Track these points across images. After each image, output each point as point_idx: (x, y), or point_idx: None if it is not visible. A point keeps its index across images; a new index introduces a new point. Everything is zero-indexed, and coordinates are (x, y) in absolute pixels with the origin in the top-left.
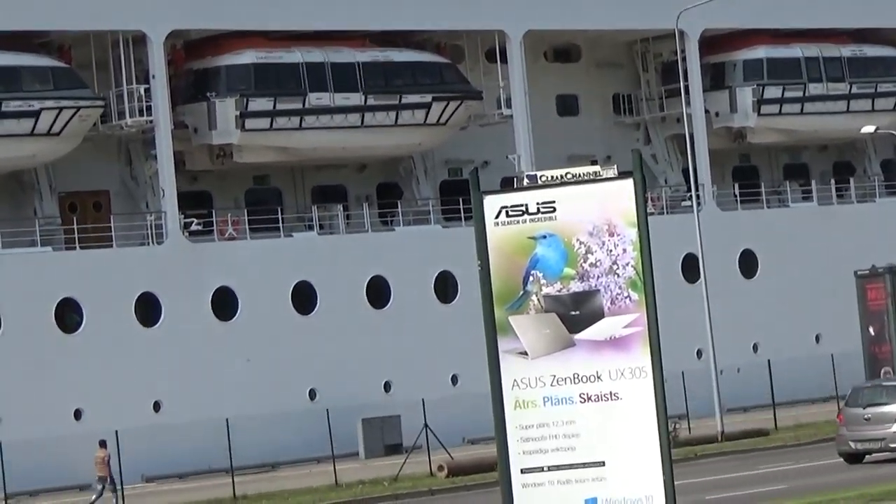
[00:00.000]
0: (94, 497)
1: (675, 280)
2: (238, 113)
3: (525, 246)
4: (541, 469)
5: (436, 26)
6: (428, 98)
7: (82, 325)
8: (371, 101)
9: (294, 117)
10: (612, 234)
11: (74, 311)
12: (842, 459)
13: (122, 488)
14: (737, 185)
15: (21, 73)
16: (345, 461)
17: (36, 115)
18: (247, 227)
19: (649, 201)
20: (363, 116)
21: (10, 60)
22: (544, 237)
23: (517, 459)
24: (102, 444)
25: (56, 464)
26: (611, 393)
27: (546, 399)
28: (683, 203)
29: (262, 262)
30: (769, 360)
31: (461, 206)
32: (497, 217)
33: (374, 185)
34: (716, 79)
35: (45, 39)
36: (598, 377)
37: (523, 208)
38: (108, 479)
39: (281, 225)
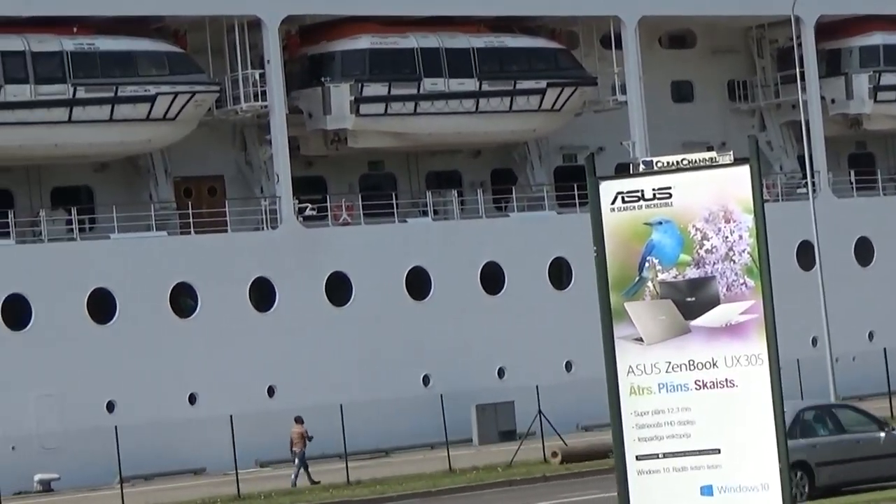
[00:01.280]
0: (293, 473)
1: (790, 267)
2: (353, 98)
3: (641, 232)
4: (656, 456)
5: (551, 12)
6: (543, 84)
7: (197, 310)
8: (486, 87)
9: (409, 103)
10: (728, 221)
11: (189, 295)
12: None
13: (237, 473)
14: (852, 173)
15: (137, 59)
16: (458, 447)
17: (152, 100)
18: (361, 212)
19: (765, 188)
20: (478, 102)
21: (127, 45)
22: (660, 223)
23: (632, 446)
24: (298, 419)
25: (170, 448)
26: (726, 380)
27: (661, 386)
28: (799, 190)
29: (376, 248)
30: (885, 349)
31: (575, 192)
32: (613, 203)
33: (489, 171)
34: (831, 65)
35: (161, 25)
36: (714, 364)
37: (639, 194)
38: (302, 455)
39: (395, 210)
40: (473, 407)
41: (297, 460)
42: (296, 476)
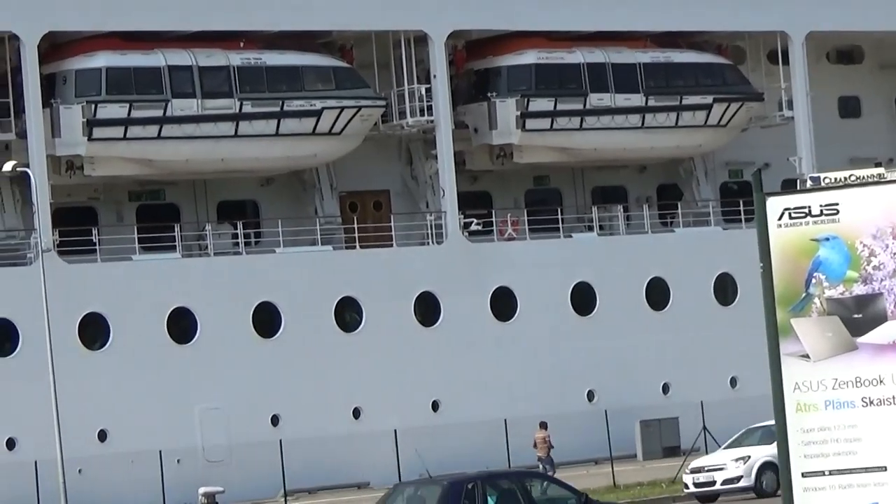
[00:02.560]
0: None
1: None
2: (519, 113)
3: (808, 248)
4: (822, 473)
5: (717, 27)
6: (709, 99)
7: (362, 325)
8: (652, 102)
9: (575, 118)
10: None
11: (354, 310)
12: None
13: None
14: None
15: (303, 73)
16: (623, 462)
17: (318, 114)
18: (526, 227)
19: None
20: (644, 117)
21: (293, 60)
22: (827, 239)
23: (798, 463)
24: (543, 425)
25: (334, 462)
26: (893, 397)
27: (828, 403)
28: None
29: (542, 263)
30: None
31: (741, 208)
32: (780, 219)
33: (655, 186)
34: None
35: (328, 39)
36: (881, 381)
37: (806, 210)
38: (549, 460)
39: (560, 225)
40: (638, 422)
41: (541, 465)
42: None
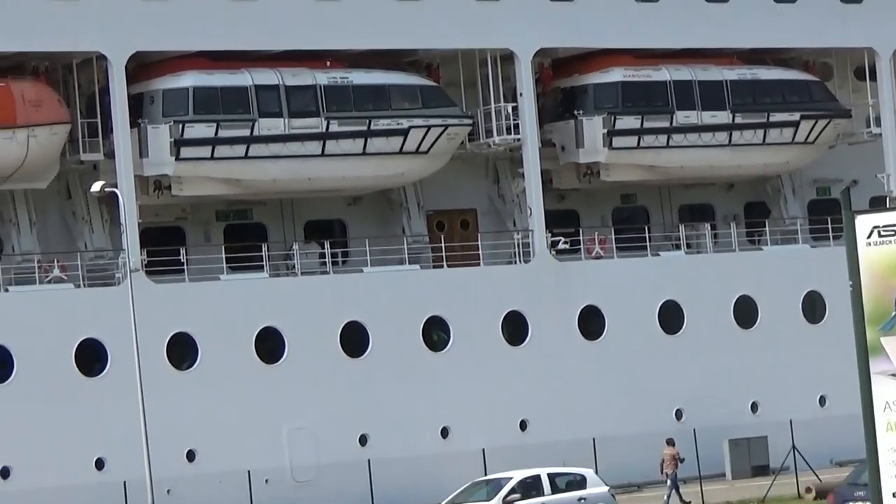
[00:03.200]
0: (665, 494)
1: None
2: (605, 131)
3: None
4: None
5: (804, 44)
6: (796, 116)
7: (450, 344)
8: (739, 120)
9: (661, 136)
10: None
11: (442, 329)
12: None
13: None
14: None
15: (390, 92)
16: (711, 482)
17: (405, 133)
18: (613, 245)
19: None
20: (731, 135)
21: (380, 79)
22: None
23: (889, 483)
24: (670, 442)
25: (423, 481)
26: None
27: None
28: None
29: (629, 281)
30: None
31: (829, 226)
32: (869, 237)
33: (742, 204)
34: None
35: (414, 58)
36: None
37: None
38: (673, 476)
39: (648, 244)
40: (726, 441)
41: (669, 482)
42: (668, 497)
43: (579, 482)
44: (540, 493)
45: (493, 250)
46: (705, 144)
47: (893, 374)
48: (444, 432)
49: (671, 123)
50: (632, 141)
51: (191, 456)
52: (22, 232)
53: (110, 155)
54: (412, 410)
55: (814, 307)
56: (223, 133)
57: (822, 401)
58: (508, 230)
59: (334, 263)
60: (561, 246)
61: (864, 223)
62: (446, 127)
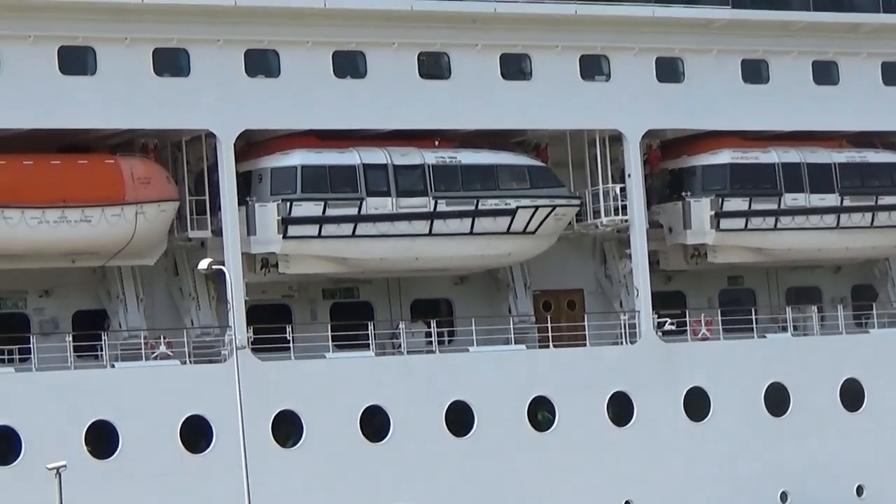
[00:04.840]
0: None
1: None
2: (713, 213)
3: None
4: None
5: None
6: None
7: (555, 424)
8: (847, 203)
9: (769, 218)
10: None
11: (547, 409)
12: None
13: None
14: None
15: (498, 172)
16: None
17: (512, 213)
18: (720, 327)
19: None
20: (839, 218)
21: (488, 159)
22: None
23: None
24: None
25: None
26: None
27: None
28: None
29: (735, 363)
30: None
31: None
32: None
33: (849, 287)
34: None
35: (523, 138)
36: None
37: None
38: None
39: (754, 326)
40: None
41: None
42: None
43: None
44: None
45: (600, 331)
46: (813, 227)
47: None
48: None
49: (779, 206)
50: (739, 223)
51: None
52: (129, 308)
53: (218, 232)
54: (517, 490)
55: None
56: (331, 212)
57: None
58: (615, 311)
59: (440, 342)
60: (667, 327)
61: None
62: (554, 207)
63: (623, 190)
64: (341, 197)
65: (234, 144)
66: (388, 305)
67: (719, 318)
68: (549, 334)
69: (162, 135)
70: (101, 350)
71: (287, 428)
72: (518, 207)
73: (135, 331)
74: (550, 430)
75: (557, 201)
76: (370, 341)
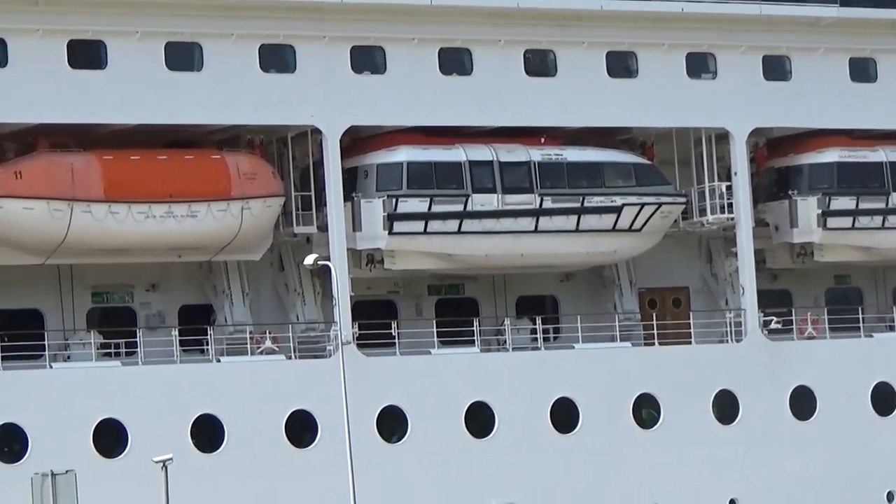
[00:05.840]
0: None
1: None
2: (820, 211)
3: None
4: None
5: None
6: None
7: (660, 422)
8: None
9: (877, 217)
10: None
11: (652, 407)
12: None
13: None
14: None
15: (604, 169)
16: None
17: (618, 210)
18: (826, 325)
19: None
20: None
21: (594, 156)
22: None
23: None
24: None
25: None
26: None
27: None
28: None
29: (841, 362)
30: None
31: None
32: None
33: None
34: None
35: (629, 136)
36: None
37: None
38: None
39: (861, 325)
40: None
41: None
42: None
43: None
44: None
45: (705, 329)
46: None
47: None
48: None
49: (887, 205)
50: (847, 222)
51: None
52: (234, 303)
53: (323, 228)
54: (621, 488)
55: None
56: (436, 208)
57: None
58: (720, 309)
59: (545, 339)
60: (773, 325)
61: None
62: (660, 205)
63: (729, 188)
64: (447, 193)
65: (340, 140)
66: (493, 302)
67: (826, 316)
68: (655, 332)
69: (268, 130)
70: (207, 344)
71: (392, 423)
72: (624, 205)
73: (240, 325)
74: (655, 427)
75: (663, 199)
76: (475, 337)
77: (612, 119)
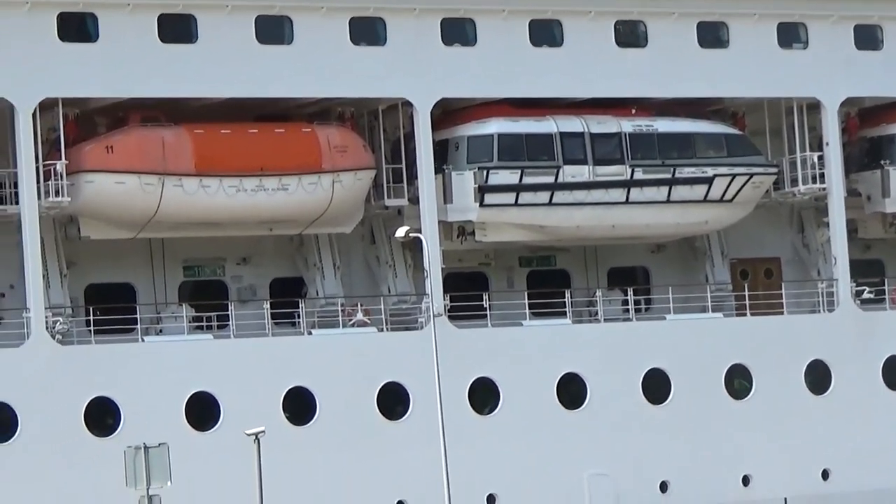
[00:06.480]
0: None
1: None
2: None
3: None
4: None
5: None
6: None
7: (752, 392)
8: None
9: None
10: None
11: (744, 377)
12: None
13: None
14: None
15: (695, 140)
16: None
17: (709, 181)
18: None
19: None
20: None
21: (685, 127)
22: None
23: None
24: None
25: None
26: None
27: None
28: None
29: None
30: None
31: None
32: None
33: None
34: None
35: (720, 107)
36: None
37: None
38: None
39: None
40: None
41: None
42: None
43: None
44: None
45: (797, 299)
46: None
47: None
48: (746, 480)
49: None
50: None
51: (491, 500)
52: (326, 276)
53: (414, 200)
54: (713, 458)
55: None
56: (527, 180)
57: None
58: (812, 279)
59: (637, 310)
60: (866, 295)
61: None
62: (751, 175)
63: (821, 158)
64: (538, 165)
65: (431, 113)
66: (584, 273)
67: None
68: (747, 302)
69: (358, 103)
70: (299, 317)
71: (483, 395)
72: (715, 176)
73: (332, 298)
74: (747, 398)
75: (755, 169)
76: (567, 309)
77: (703, 90)
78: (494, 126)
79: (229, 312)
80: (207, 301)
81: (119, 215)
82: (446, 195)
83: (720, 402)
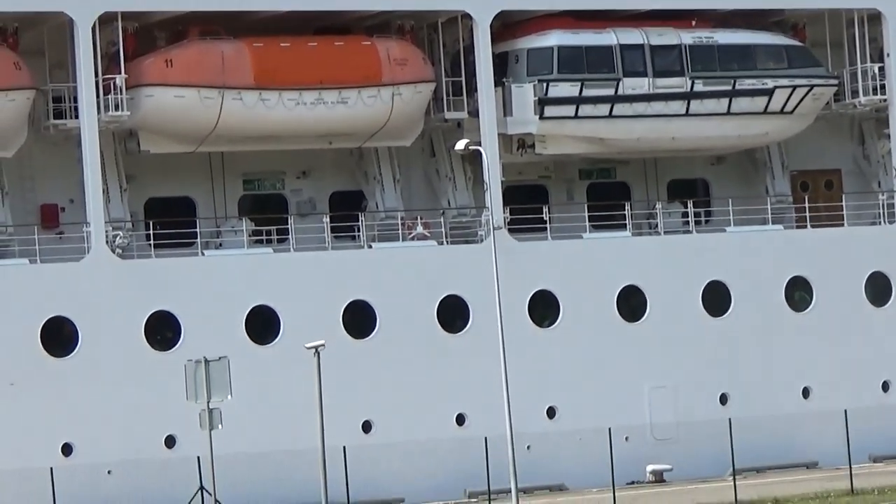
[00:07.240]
0: None
1: None
2: None
3: None
4: None
5: None
6: None
7: (812, 304)
8: None
9: None
10: None
11: (804, 289)
12: None
13: (850, 468)
14: None
15: (755, 51)
16: None
17: (769, 93)
18: None
19: None
20: None
21: (745, 39)
22: None
23: None
24: None
25: (783, 441)
26: None
27: None
28: None
29: None
30: None
31: None
32: None
33: None
34: None
35: (781, 18)
36: None
37: None
38: None
39: None
40: None
41: None
42: None
43: None
44: None
45: (857, 211)
46: None
47: None
48: (806, 392)
49: None
50: None
51: (551, 413)
52: (386, 189)
53: (474, 113)
54: (773, 370)
55: None
56: (587, 92)
57: None
58: (873, 191)
59: (697, 223)
60: None
61: None
62: (812, 87)
63: (881, 69)
64: (598, 77)
65: (491, 25)
66: (644, 185)
67: None
68: (807, 214)
69: (418, 16)
70: (358, 231)
71: (543, 308)
72: (775, 87)
73: (391, 212)
74: (807, 310)
75: (815, 81)
76: (627, 221)
77: (764, 1)
78: (554, 38)
79: (289, 226)
80: (267, 215)
81: (178, 129)
82: (506, 108)
83: (780, 315)
